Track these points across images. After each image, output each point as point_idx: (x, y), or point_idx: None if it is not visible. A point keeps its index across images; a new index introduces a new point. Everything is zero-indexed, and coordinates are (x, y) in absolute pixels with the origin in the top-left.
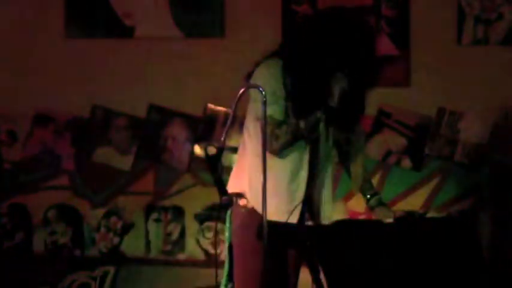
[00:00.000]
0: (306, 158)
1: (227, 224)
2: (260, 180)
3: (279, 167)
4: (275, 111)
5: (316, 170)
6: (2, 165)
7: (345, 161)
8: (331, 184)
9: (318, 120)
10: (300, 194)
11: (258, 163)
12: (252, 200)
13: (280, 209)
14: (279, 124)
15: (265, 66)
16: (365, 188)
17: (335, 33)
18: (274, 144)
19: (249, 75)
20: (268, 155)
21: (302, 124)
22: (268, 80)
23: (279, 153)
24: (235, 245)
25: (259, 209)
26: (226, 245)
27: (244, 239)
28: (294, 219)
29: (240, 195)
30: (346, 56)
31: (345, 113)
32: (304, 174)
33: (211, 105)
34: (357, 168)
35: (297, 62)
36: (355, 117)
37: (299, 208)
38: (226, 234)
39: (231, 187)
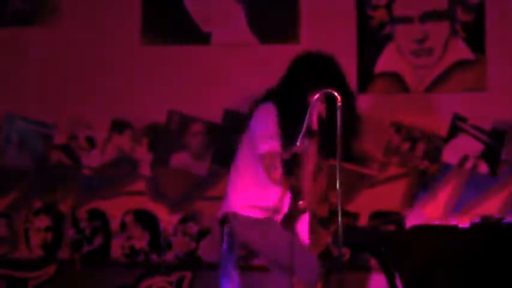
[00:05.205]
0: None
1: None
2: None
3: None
4: (272, 146)
5: None
6: (81, 170)
7: None
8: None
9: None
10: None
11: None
12: None
13: None
14: (276, 156)
15: (262, 109)
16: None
17: (314, 71)
18: (274, 173)
19: (250, 111)
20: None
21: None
22: (265, 121)
23: (279, 182)
24: None
25: None
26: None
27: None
28: None
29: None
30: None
31: (327, 136)
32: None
33: None
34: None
35: (287, 106)
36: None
37: None
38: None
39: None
